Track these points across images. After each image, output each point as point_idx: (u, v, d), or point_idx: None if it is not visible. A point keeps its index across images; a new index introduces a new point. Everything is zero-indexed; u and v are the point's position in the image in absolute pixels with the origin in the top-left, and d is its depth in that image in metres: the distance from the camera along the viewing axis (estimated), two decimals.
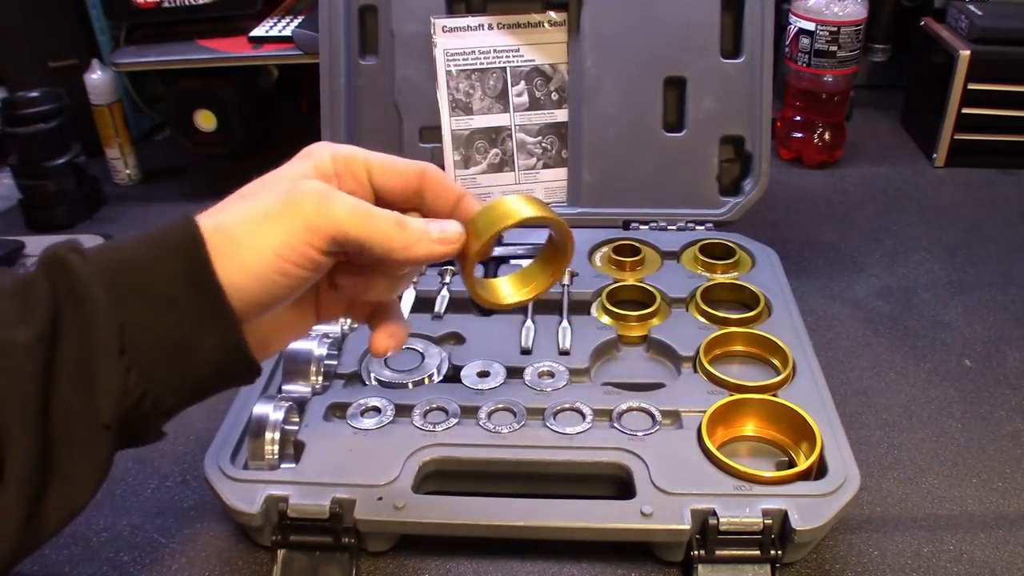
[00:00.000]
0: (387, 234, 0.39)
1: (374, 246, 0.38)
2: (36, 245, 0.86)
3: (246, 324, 0.38)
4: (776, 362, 0.60)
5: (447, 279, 0.68)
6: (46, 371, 0.35)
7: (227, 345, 0.38)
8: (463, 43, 0.75)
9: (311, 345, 0.59)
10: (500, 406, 0.56)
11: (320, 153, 0.41)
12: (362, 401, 0.56)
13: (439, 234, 0.40)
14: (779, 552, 0.47)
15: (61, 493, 0.36)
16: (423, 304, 0.67)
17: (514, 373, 0.59)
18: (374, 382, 0.59)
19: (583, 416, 0.55)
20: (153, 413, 0.38)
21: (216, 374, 0.39)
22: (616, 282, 0.68)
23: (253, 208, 0.38)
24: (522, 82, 0.77)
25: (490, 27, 0.75)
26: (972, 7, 0.96)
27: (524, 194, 0.43)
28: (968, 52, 0.91)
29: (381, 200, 0.42)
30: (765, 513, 0.47)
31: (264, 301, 0.38)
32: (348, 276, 0.41)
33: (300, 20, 0.92)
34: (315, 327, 0.62)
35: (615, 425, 0.54)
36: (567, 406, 0.56)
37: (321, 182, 0.39)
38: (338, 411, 0.56)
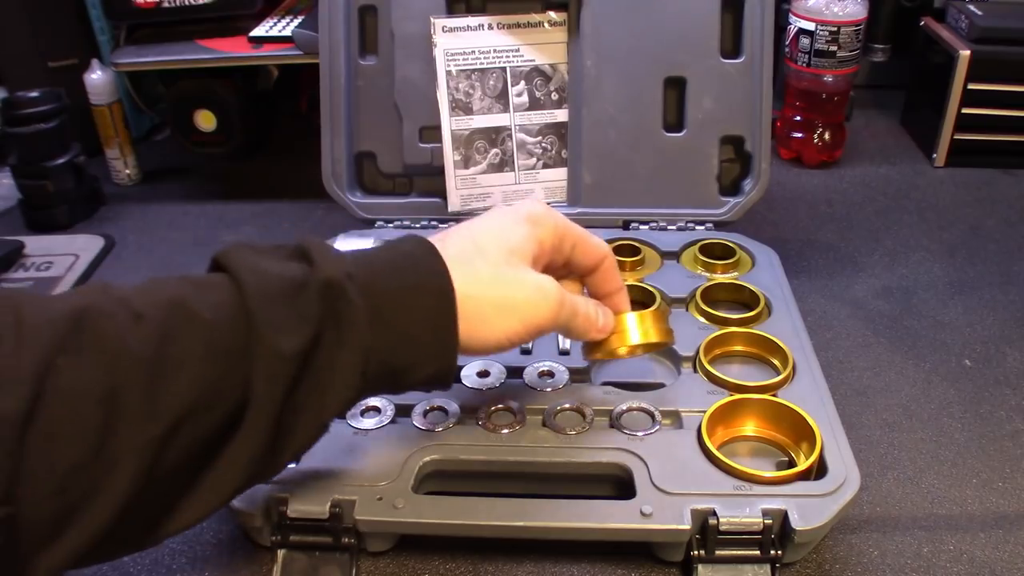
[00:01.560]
0: (585, 327, 0.50)
1: (571, 332, 0.51)
2: (36, 245, 0.86)
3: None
4: (776, 362, 0.60)
5: None
6: (297, 377, 0.39)
7: (440, 376, 0.44)
8: (463, 43, 0.75)
9: None
10: (500, 406, 0.56)
11: (546, 224, 0.48)
12: (362, 401, 0.56)
13: (602, 324, 0.52)
14: (779, 552, 0.47)
15: (265, 468, 0.41)
16: None
17: (514, 373, 0.59)
18: None
19: (583, 416, 0.55)
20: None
21: (419, 387, 0.45)
22: None
23: (502, 300, 0.45)
24: (522, 82, 0.77)
25: (490, 27, 0.75)
26: (972, 7, 0.96)
27: (656, 314, 0.54)
28: (968, 52, 0.91)
29: (565, 267, 0.52)
30: (765, 513, 0.47)
31: (481, 354, 0.47)
32: None
33: (300, 20, 0.92)
34: None
35: (615, 425, 0.54)
36: (567, 406, 0.56)
37: (559, 288, 0.47)
38: None
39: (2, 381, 0.31)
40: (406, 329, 0.42)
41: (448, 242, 0.45)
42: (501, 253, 0.45)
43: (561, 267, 0.51)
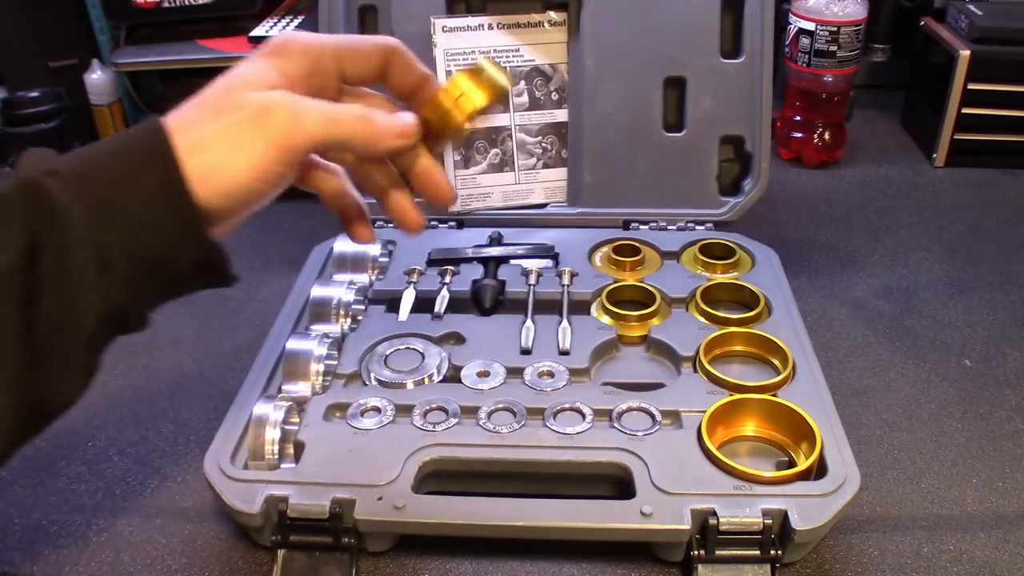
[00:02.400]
0: (355, 131, 0.41)
1: (345, 145, 0.43)
2: None
3: (223, 223, 0.40)
4: (776, 362, 0.60)
5: (447, 279, 0.68)
6: (26, 294, 0.36)
7: (204, 260, 0.40)
8: (463, 43, 0.75)
9: (311, 345, 0.59)
10: (500, 406, 0.56)
11: (289, 50, 0.42)
12: (362, 401, 0.56)
13: (387, 122, 0.43)
14: (779, 552, 0.48)
15: (51, 393, 0.38)
16: (423, 304, 0.67)
17: (514, 373, 0.59)
18: (374, 382, 0.59)
19: (583, 416, 0.55)
20: (136, 312, 0.40)
21: (194, 280, 0.41)
22: (616, 282, 0.68)
23: (225, 129, 0.39)
24: (522, 82, 0.77)
25: (490, 27, 0.75)
26: (972, 7, 0.96)
27: (474, 67, 0.44)
28: (968, 52, 0.91)
29: (347, 82, 0.44)
30: (765, 513, 0.47)
31: (239, 211, 0.40)
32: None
33: (300, 20, 0.92)
34: (314, 326, 0.63)
35: (615, 425, 0.54)
36: (567, 406, 0.56)
37: (288, 95, 0.40)
38: (338, 411, 0.56)
39: None
40: (135, 211, 0.37)
41: (177, 111, 0.40)
42: (230, 101, 0.40)
43: (338, 92, 0.44)
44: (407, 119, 0.43)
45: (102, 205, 0.37)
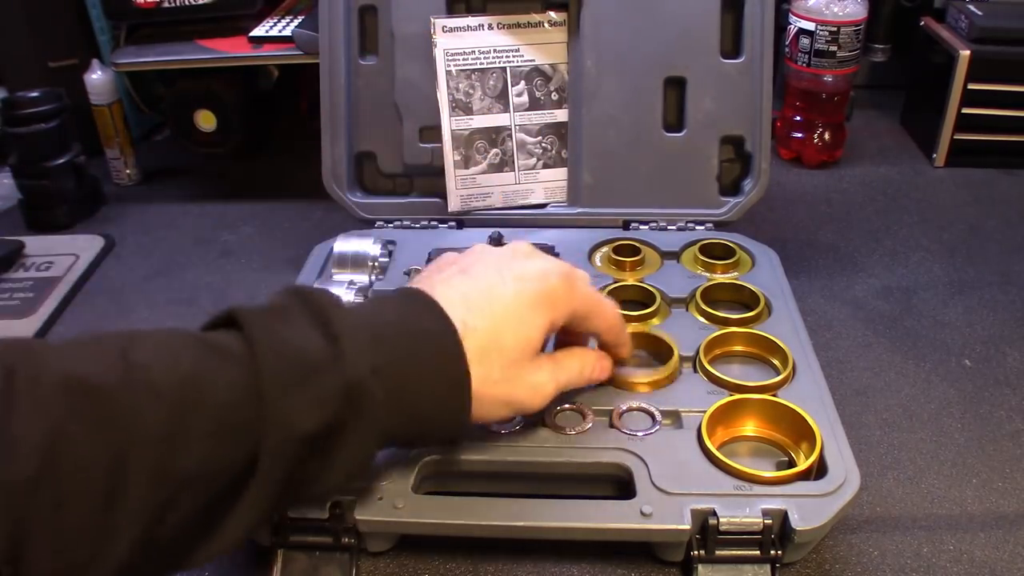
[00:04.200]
0: (578, 384, 0.54)
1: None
2: (36, 245, 0.86)
3: None
4: (776, 362, 0.60)
5: None
6: (306, 455, 0.39)
7: (444, 444, 0.50)
8: (463, 43, 0.75)
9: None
10: None
11: (563, 308, 0.50)
12: None
13: (595, 375, 0.55)
14: (779, 552, 0.47)
15: (261, 527, 0.47)
16: None
17: None
18: None
19: (583, 416, 0.55)
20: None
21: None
22: (616, 282, 0.68)
23: (507, 392, 0.47)
24: (522, 82, 0.77)
25: (490, 27, 0.76)
26: (972, 7, 0.96)
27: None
28: (968, 52, 0.91)
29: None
30: (765, 513, 0.47)
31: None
32: None
33: (300, 20, 0.92)
34: None
35: (615, 425, 0.54)
36: (567, 406, 0.56)
37: (552, 385, 0.50)
38: None
39: (12, 446, 0.31)
40: (422, 413, 0.44)
41: (469, 330, 0.45)
42: (517, 350, 0.47)
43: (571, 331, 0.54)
44: (607, 366, 0.56)
45: (401, 401, 0.42)
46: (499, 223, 0.77)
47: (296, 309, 0.41)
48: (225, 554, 0.39)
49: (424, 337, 0.44)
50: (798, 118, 0.99)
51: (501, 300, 0.47)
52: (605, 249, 0.74)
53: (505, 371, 0.46)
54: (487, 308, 0.46)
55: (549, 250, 0.72)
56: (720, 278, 0.69)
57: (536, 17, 0.76)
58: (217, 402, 0.36)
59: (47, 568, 0.33)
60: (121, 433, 0.34)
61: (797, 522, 0.46)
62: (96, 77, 0.94)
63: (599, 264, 0.72)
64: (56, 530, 0.32)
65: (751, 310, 0.65)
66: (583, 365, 0.53)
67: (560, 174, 0.79)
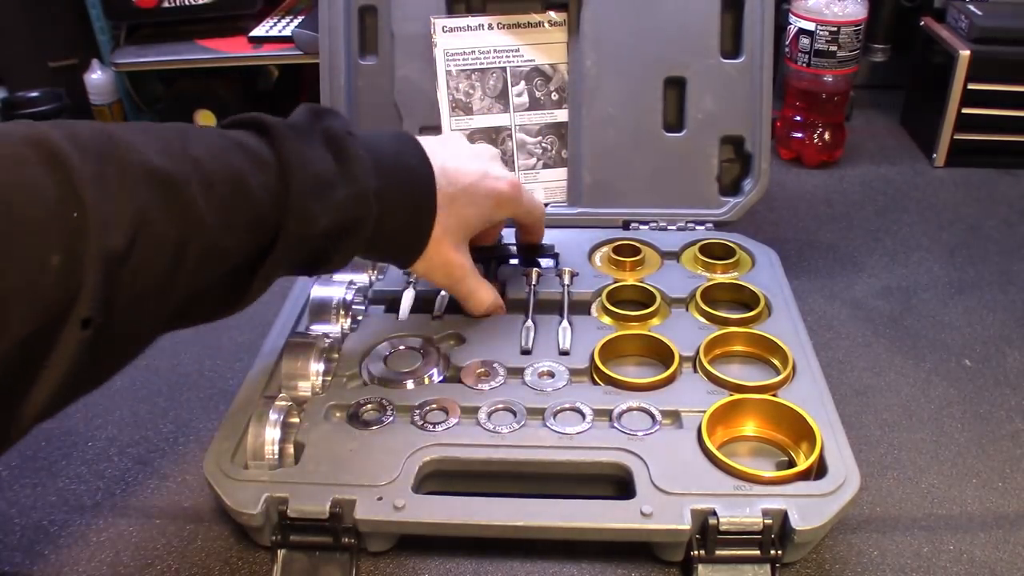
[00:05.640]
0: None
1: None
2: None
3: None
4: (776, 362, 0.60)
5: None
6: (318, 246, 0.50)
7: (409, 256, 0.58)
8: (463, 43, 0.75)
9: (311, 344, 0.59)
10: (500, 406, 0.56)
11: (502, 215, 0.64)
12: (362, 401, 0.56)
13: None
14: (779, 552, 0.47)
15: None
16: (423, 304, 0.67)
17: (514, 373, 0.59)
18: (374, 382, 0.59)
19: (583, 416, 0.55)
20: (337, 252, 0.52)
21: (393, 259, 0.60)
22: (616, 282, 0.68)
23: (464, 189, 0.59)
24: (522, 82, 0.77)
25: (490, 27, 0.76)
26: (972, 7, 0.96)
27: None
28: (968, 52, 0.91)
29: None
30: (765, 513, 0.47)
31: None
32: None
33: (300, 20, 0.93)
34: (314, 326, 0.63)
35: (615, 425, 0.54)
36: (567, 406, 0.56)
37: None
38: (338, 411, 0.56)
39: (110, 221, 0.38)
40: (397, 231, 0.55)
41: (441, 185, 0.57)
42: (463, 221, 0.59)
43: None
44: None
45: (386, 216, 0.53)
46: None
47: (314, 130, 0.50)
48: (241, 309, 0.49)
49: (412, 174, 0.55)
50: (798, 118, 0.99)
51: (468, 178, 0.59)
52: (605, 249, 0.74)
53: (453, 233, 0.58)
54: (456, 178, 0.58)
55: (548, 250, 0.72)
56: (720, 278, 0.69)
57: (536, 17, 0.76)
58: (255, 201, 0.45)
59: (125, 320, 0.40)
60: (186, 218, 0.41)
61: (797, 522, 0.46)
62: (96, 77, 0.94)
63: (599, 264, 0.72)
64: (132, 294, 0.39)
65: (751, 310, 0.65)
66: (489, 294, 0.64)
67: (560, 174, 0.79)
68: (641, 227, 0.77)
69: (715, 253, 0.72)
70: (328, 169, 0.49)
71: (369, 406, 0.56)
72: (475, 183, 0.59)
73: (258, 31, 0.91)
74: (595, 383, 0.59)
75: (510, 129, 0.78)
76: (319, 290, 0.65)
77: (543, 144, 0.78)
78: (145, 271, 0.40)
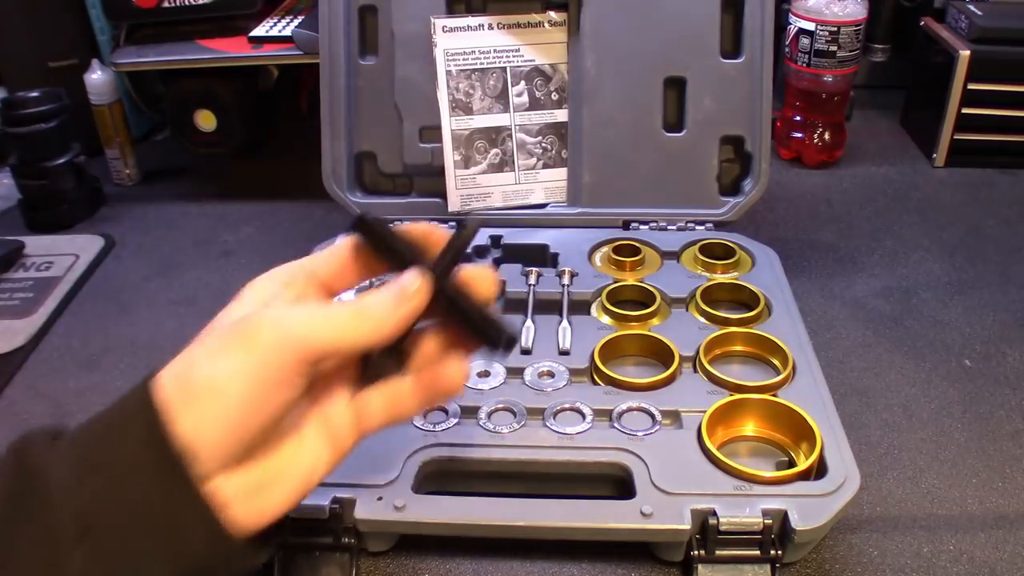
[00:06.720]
0: (347, 328, 0.36)
1: (343, 347, 0.36)
2: (36, 245, 0.86)
3: (245, 470, 0.35)
4: (776, 362, 0.60)
5: None
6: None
7: (209, 522, 0.34)
8: (463, 43, 0.75)
9: None
10: (500, 406, 0.56)
11: (257, 284, 0.41)
12: None
13: (397, 295, 0.38)
14: (779, 552, 0.48)
15: None
16: None
17: (514, 373, 0.59)
18: None
19: (583, 416, 0.55)
20: None
21: (210, 557, 0.34)
22: (616, 282, 0.68)
23: (208, 348, 0.35)
24: (522, 82, 0.77)
25: (490, 27, 0.76)
26: (972, 7, 0.96)
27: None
28: (968, 52, 0.91)
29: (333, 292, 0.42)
30: (765, 513, 0.47)
31: (246, 439, 0.35)
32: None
33: (300, 20, 0.93)
34: None
35: (615, 425, 0.54)
36: (567, 406, 0.56)
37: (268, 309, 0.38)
38: None
39: None
40: (119, 462, 0.34)
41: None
42: (212, 331, 0.38)
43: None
44: (406, 278, 0.40)
45: (87, 462, 0.34)
46: (499, 223, 0.77)
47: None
48: None
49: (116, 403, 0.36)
50: (798, 118, 0.99)
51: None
52: (605, 249, 0.74)
53: (209, 347, 0.36)
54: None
55: (548, 250, 0.73)
56: (720, 278, 0.69)
57: (536, 17, 0.76)
58: None
59: None
60: None
61: (797, 522, 0.46)
62: (96, 77, 0.94)
63: (599, 264, 0.72)
64: None
65: (751, 310, 0.65)
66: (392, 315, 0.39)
67: (560, 174, 0.79)
68: (641, 227, 0.77)
69: (715, 253, 0.72)
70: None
71: None
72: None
73: (258, 31, 0.91)
74: (595, 383, 0.59)
75: (510, 129, 0.78)
76: None
77: (543, 144, 0.78)
78: None
